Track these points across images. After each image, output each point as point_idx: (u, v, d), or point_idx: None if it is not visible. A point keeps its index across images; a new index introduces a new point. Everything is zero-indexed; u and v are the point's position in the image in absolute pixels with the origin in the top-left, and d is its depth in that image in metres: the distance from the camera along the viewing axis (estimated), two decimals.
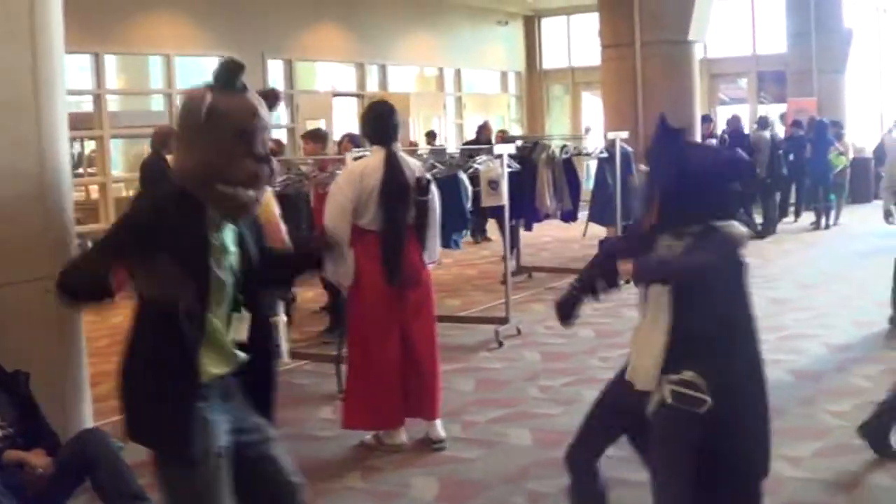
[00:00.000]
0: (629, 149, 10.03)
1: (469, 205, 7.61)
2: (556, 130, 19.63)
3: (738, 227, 3.11)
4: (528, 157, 9.33)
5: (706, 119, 14.22)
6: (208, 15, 13.45)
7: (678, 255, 2.97)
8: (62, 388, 4.30)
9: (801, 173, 14.16)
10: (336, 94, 16.31)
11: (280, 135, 14.87)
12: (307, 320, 8.43)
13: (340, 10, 15.85)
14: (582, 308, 3.13)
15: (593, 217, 10.45)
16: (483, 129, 14.03)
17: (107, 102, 12.73)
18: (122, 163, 13.50)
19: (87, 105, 12.67)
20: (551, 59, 21.41)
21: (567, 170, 9.66)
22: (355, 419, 4.90)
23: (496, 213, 8.16)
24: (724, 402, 2.96)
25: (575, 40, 20.58)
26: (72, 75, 12.41)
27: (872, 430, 4.52)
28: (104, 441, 3.84)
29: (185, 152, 2.55)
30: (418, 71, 18.90)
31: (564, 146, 9.93)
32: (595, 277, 3.01)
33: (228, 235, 2.62)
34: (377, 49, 16.71)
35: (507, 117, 20.10)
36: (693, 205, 3.04)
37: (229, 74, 2.55)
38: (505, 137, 12.30)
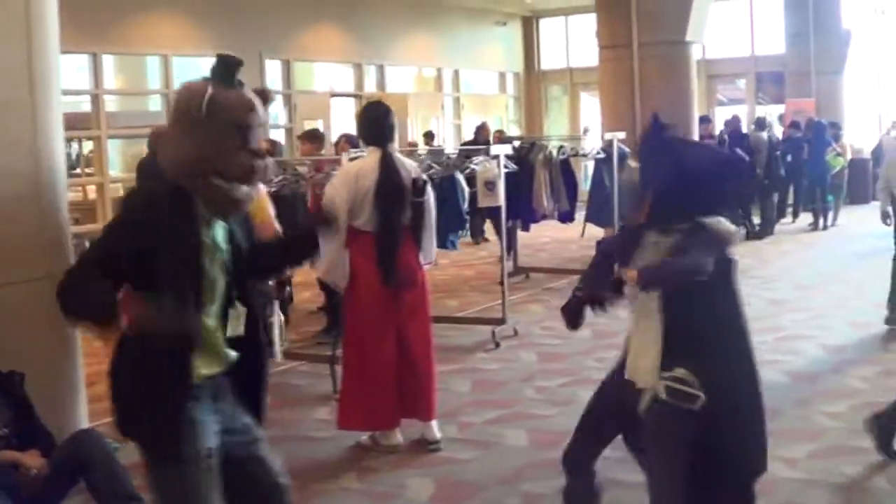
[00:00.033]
0: (626, 149, 10.03)
1: (466, 206, 7.61)
2: (555, 131, 19.63)
3: (726, 224, 3.11)
4: (526, 157, 9.33)
5: (705, 120, 14.24)
6: (206, 15, 13.44)
7: (681, 257, 2.95)
8: (58, 388, 4.29)
9: (798, 174, 14.18)
10: (334, 95, 16.30)
11: (278, 135, 14.87)
12: (304, 321, 8.43)
13: (339, 10, 15.85)
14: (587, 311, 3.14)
15: (591, 217, 10.46)
16: (481, 130, 14.04)
17: (104, 102, 12.72)
18: (120, 163, 13.48)
19: (84, 105, 12.66)
20: (550, 59, 21.40)
21: (564, 170, 9.67)
22: (351, 420, 4.90)
23: (493, 213, 8.16)
24: (716, 399, 2.96)
25: (573, 41, 20.58)
26: (70, 75, 12.40)
27: (880, 427, 4.48)
28: (99, 442, 3.83)
29: (178, 144, 2.53)
30: (416, 71, 18.89)
31: (562, 147, 9.94)
32: (601, 291, 2.96)
33: (219, 232, 2.62)
34: (375, 49, 16.70)
35: (505, 118, 20.09)
36: (690, 203, 3.04)
37: (227, 70, 2.56)
38: (502, 138, 12.30)
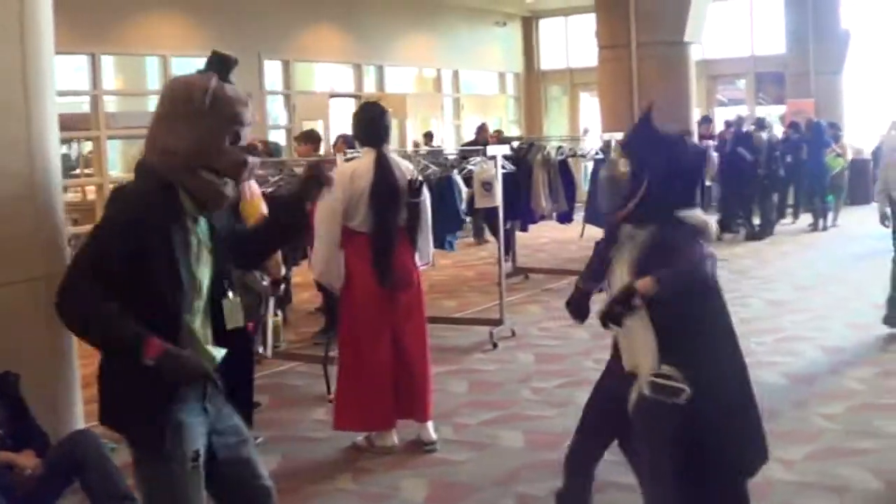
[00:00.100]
0: None
1: (464, 206, 7.60)
2: (555, 131, 19.62)
3: (701, 217, 3.12)
4: (524, 158, 9.33)
5: (706, 120, 14.26)
6: (205, 16, 13.44)
7: (684, 256, 2.93)
8: (53, 389, 4.28)
9: (798, 175, 14.17)
10: (333, 95, 16.31)
11: (277, 136, 14.89)
12: (303, 321, 8.43)
13: (338, 10, 15.85)
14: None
15: (590, 218, 10.44)
16: (482, 131, 14.03)
17: (104, 103, 12.73)
18: (120, 163, 13.49)
19: (84, 106, 12.66)
20: (549, 60, 21.41)
21: (563, 171, 9.66)
22: (346, 420, 4.90)
23: (492, 214, 8.15)
24: (702, 395, 2.95)
25: (573, 41, 20.58)
26: (68, 76, 12.42)
27: None
28: (93, 442, 3.83)
29: (173, 136, 2.51)
30: (416, 72, 18.90)
31: (560, 147, 9.93)
32: (614, 307, 2.92)
33: (203, 228, 2.62)
34: (375, 50, 16.70)
35: (505, 118, 20.10)
36: (677, 197, 3.05)
37: (224, 67, 2.57)
38: (500, 138, 12.29)
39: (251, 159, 2.62)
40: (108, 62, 13.07)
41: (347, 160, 5.30)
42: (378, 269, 4.73)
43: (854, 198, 15.79)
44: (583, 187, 12.19)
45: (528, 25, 21.32)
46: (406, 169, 4.97)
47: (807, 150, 14.02)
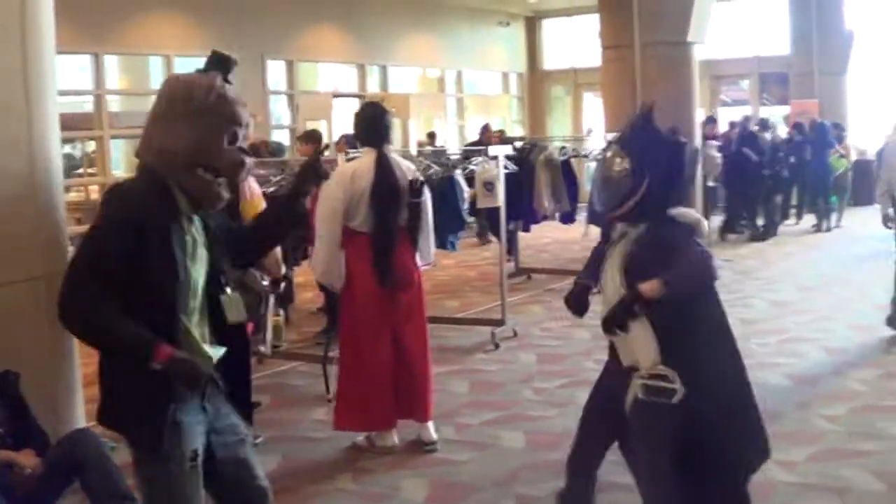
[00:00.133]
0: None
1: (466, 206, 7.59)
2: (558, 131, 19.60)
3: (694, 214, 3.11)
4: (526, 158, 9.31)
5: (711, 120, 14.25)
6: (208, 15, 13.45)
7: (690, 260, 2.91)
8: (54, 388, 4.28)
9: (802, 175, 14.15)
10: (337, 95, 16.30)
11: (281, 135, 14.89)
12: (305, 321, 8.43)
13: (341, 10, 15.85)
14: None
15: (592, 218, 10.42)
16: (485, 131, 14.03)
17: (107, 103, 12.74)
18: (123, 163, 13.50)
19: (87, 105, 12.68)
20: (553, 60, 21.39)
21: (565, 171, 9.65)
22: (347, 420, 4.89)
23: (494, 214, 8.14)
24: (702, 394, 2.94)
25: (576, 41, 20.56)
26: (72, 76, 12.43)
27: None
28: (94, 441, 3.83)
29: (167, 134, 2.50)
30: (420, 72, 18.89)
31: (563, 148, 9.92)
32: (619, 314, 2.91)
33: (198, 227, 2.62)
34: (378, 50, 16.70)
35: (508, 118, 20.09)
36: (674, 194, 3.04)
37: (224, 67, 2.56)
38: (503, 138, 12.28)
39: (248, 160, 2.62)
40: (111, 62, 13.08)
41: (348, 160, 5.29)
42: (378, 269, 4.73)
43: (858, 199, 15.75)
44: (585, 187, 12.18)
45: (532, 25, 21.30)
46: (407, 169, 4.96)
47: (810, 151, 13.99)
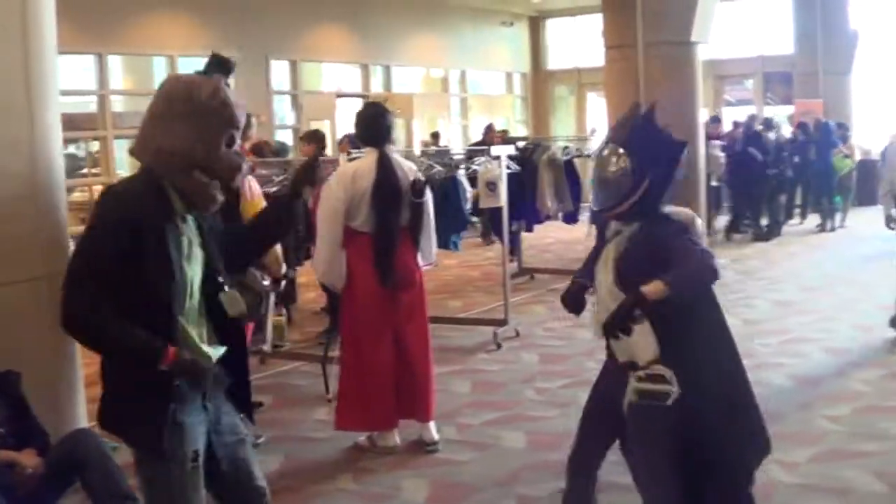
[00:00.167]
0: None
1: (468, 206, 7.59)
2: (562, 131, 19.58)
3: (689, 212, 3.10)
4: (529, 158, 9.31)
5: (715, 120, 14.21)
6: (212, 15, 13.46)
7: (691, 259, 2.90)
8: (56, 388, 4.29)
9: (806, 175, 14.12)
10: (340, 95, 16.31)
11: (284, 135, 14.90)
12: (308, 321, 8.44)
13: (344, 10, 15.85)
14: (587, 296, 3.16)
15: (595, 218, 10.41)
16: (489, 131, 14.02)
17: (111, 103, 12.76)
18: (127, 163, 13.51)
19: (91, 105, 12.70)
20: (556, 59, 21.38)
21: (568, 171, 9.64)
22: (348, 420, 4.89)
23: (496, 214, 8.13)
24: (698, 394, 2.93)
25: (580, 41, 20.54)
26: (75, 76, 12.46)
27: None
28: (95, 441, 3.83)
29: (166, 134, 2.50)
30: (423, 72, 18.89)
31: (566, 147, 9.91)
32: (620, 319, 2.87)
33: (191, 227, 2.62)
34: (381, 50, 16.70)
35: (512, 118, 20.08)
36: (667, 192, 3.04)
37: (223, 69, 2.56)
38: (505, 138, 12.27)
39: (245, 165, 2.62)
40: (114, 62, 13.10)
41: (350, 160, 5.29)
42: (380, 269, 4.73)
43: (862, 199, 15.72)
44: (589, 187, 12.15)
45: (536, 25, 21.29)
46: (408, 169, 4.96)
47: (814, 151, 13.96)
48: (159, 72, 13.65)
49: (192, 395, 2.57)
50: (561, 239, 12.99)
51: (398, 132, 15.73)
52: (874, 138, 17.78)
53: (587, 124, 19.85)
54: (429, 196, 5.03)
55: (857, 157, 15.41)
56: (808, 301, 8.66)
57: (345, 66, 16.83)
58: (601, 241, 3.17)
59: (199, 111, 2.49)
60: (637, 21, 10.66)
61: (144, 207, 2.48)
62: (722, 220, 13.47)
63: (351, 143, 7.66)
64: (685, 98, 10.67)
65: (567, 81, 21.28)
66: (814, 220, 14.31)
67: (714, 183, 12.46)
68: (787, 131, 15.32)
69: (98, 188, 12.97)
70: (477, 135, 15.97)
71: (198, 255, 2.61)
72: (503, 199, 7.31)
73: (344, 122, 15.32)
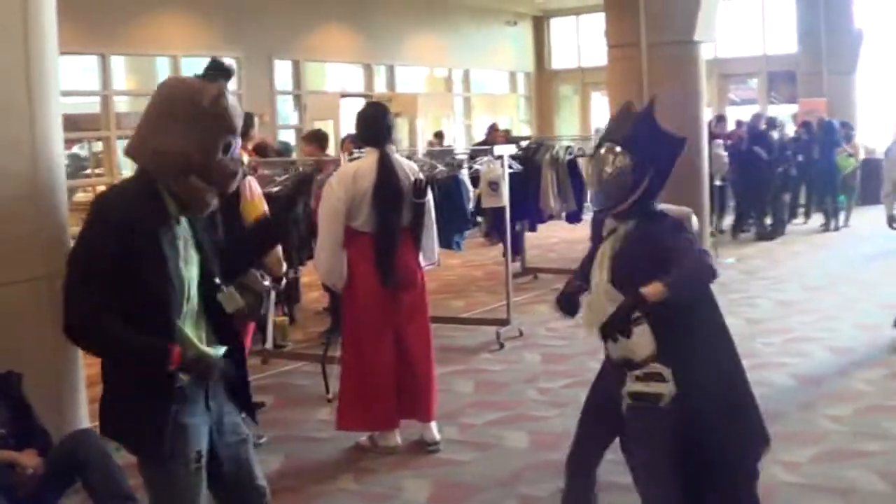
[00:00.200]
0: None
1: (471, 206, 7.58)
2: (566, 131, 19.60)
3: (685, 209, 3.09)
4: (532, 157, 9.30)
5: (721, 119, 14.17)
6: (215, 16, 13.48)
7: (690, 259, 2.89)
8: (57, 388, 4.29)
9: (810, 174, 14.10)
10: (344, 95, 16.32)
11: (287, 135, 14.92)
12: (310, 321, 8.43)
13: (348, 10, 15.86)
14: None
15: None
16: (493, 131, 14.02)
17: (114, 103, 12.79)
18: (130, 163, 13.52)
19: (94, 106, 12.73)
20: (560, 59, 21.39)
21: (571, 170, 9.63)
22: (349, 420, 4.89)
23: (499, 214, 8.13)
24: (698, 394, 2.92)
25: (584, 40, 20.54)
26: (79, 76, 12.48)
27: None
28: (96, 441, 3.83)
29: (165, 136, 2.49)
30: (427, 71, 18.89)
31: (569, 147, 9.90)
32: (618, 321, 2.84)
33: (185, 228, 2.62)
34: (385, 50, 16.71)
35: (516, 118, 20.08)
36: (662, 187, 3.04)
37: (222, 75, 2.55)
38: (508, 138, 12.26)
39: (239, 172, 2.63)
40: (118, 62, 13.13)
41: (351, 160, 5.29)
42: (381, 269, 4.72)
43: (866, 198, 15.68)
44: None
45: (539, 25, 21.30)
46: (410, 169, 4.95)
47: (818, 150, 13.94)
48: (163, 72, 13.67)
49: (194, 395, 2.56)
50: (565, 238, 12.97)
51: (402, 132, 15.81)
52: (878, 137, 17.75)
53: (591, 124, 19.84)
54: (430, 196, 5.02)
55: (861, 156, 15.36)
56: (811, 300, 8.63)
57: (348, 65, 16.85)
58: (597, 240, 3.16)
59: (201, 116, 2.48)
60: (640, 20, 10.65)
61: (137, 210, 2.47)
62: (728, 220, 13.46)
63: (354, 142, 7.66)
64: (689, 97, 10.65)
65: (571, 81, 21.29)
66: (818, 219, 14.28)
67: (718, 182, 12.44)
68: (790, 130, 15.29)
69: (102, 188, 13.02)
70: (480, 134, 15.97)
71: (194, 257, 2.60)
72: (505, 198, 7.30)
73: (347, 121, 15.34)
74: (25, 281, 4.07)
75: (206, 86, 2.51)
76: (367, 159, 4.83)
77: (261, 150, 8.39)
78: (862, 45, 17.96)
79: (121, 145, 13.00)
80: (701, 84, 10.94)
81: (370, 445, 4.94)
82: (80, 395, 4.47)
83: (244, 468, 2.72)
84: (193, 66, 13.27)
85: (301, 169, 6.89)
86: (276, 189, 6.35)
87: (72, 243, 4.32)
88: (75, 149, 13.49)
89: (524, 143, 9.87)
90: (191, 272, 2.58)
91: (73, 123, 12.25)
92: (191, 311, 2.59)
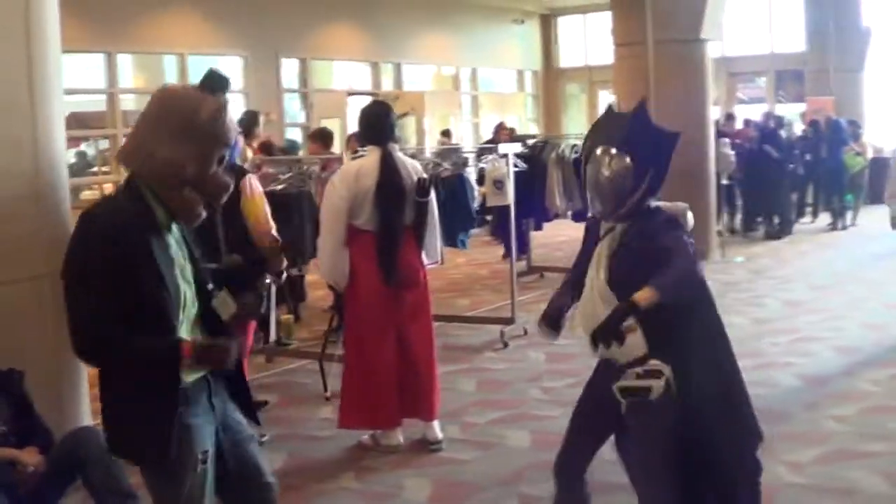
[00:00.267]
0: None
1: (476, 204, 7.57)
2: (573, 129, 19.55)
3: (680, 204, 3.07)
4: (538, 156, 9.28)
5: (730, 117, 14.13)
6: (222, 14, 13.50)
7: (684, 259, 2.86)
8: (59, 386, 4.30)
9: (817, 173, 14.06)
10: (351, 93, 16.32)
11: (294, 133, 14.94)
12: (315, 319, 8.43)
13: (355, 8, 15.86)
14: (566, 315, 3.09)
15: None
16: (500, 129, 13.99)
17: (120, 101, 12.82)
18: None
19: (101, 104, 12.76)
20: (568, 57, 21.35)
21: (577, 169, 9.59)
22: (351, 419, 4.89)
23: (504, 213, 8.11)
24: (696, 393, 2.90)
25: (591, 39, 20.50)
26: (85, 74, 12.51)
27: None
28: (97, 439, 3.82)
29: (166, 143, 2.47)
30: (434, 70, 18.89)
31: (575, 146, 9.87)
32: (612, 327, 2.79)
33: (176, 235, 2.61)
34: (392, 48, 16.71)
35: (523, 116, 20.05)
36: (660, 186, 3.02)
37: (220, 85, 2.54)
38: (513, 136, 12.25)
39: (230, 184, 2.63)
40: (124, 60, 13.16)
41: (354, 158, 5.29)
42: (383, 267, 4.72)
43: (874, 197, 15.60)
44: None
45: (547, 23, 21.27)
46: (413, 168, 4.94)
47: (825, 149, 13.90)
48: (169, 70, 13.71)
49: (196, 395, 2.55)
50: (573, 237, 12.86)
51: (409, 130, 15.81)
52: (886, 136, 17.68)
53: None
54: (433, 195, 5.01)
55: (869, 154, 15.30)
56: (818, 300, 8.60)
57: (355, 63, 16.85)
58: (592, 241, 3.13)
59: (199, 130, 2.47)
60: (647, 18, 10.63)
61: (126, 221, 2.44)
62: (736, 220, 13.42)
63: (359, 141, 7.65)
64: (695, 95, 10.64)
65: (578, 79, 21.26)
66: (825, 218, 14.23)
67: (725, 181, 12.40)
68: (798, 129, 15.24)
69: (108, 186, 13.04)
70: (488, 133, 15.95)
71: (186, 266, 2.59)
72: (510, 197, 7.29)
73: (355, 120, 15.32)
74: (27, 279, 4.09)
75: (205, 100, 2.49)
76: (370, 158, 4.82)
77: (266, 148, 8.39)
78: (870, 43, 17.89)
79: None
80: (707, 82, 10.92)
81: (372, 444, 4.93)
82: (82, 392, 4.48)
83: (251, 464, 2.71)
84: (200, 65, 13.38)
85: (301, 166, 6.87)
86: (280, 187, 6.35)
87: None
88: (82, 146, 13.53)
89: (530, 142, 9.85)
90: (186, 280, 2.57)
91: (79, 121, 12.29)
92: (188, 319, 2.58)
